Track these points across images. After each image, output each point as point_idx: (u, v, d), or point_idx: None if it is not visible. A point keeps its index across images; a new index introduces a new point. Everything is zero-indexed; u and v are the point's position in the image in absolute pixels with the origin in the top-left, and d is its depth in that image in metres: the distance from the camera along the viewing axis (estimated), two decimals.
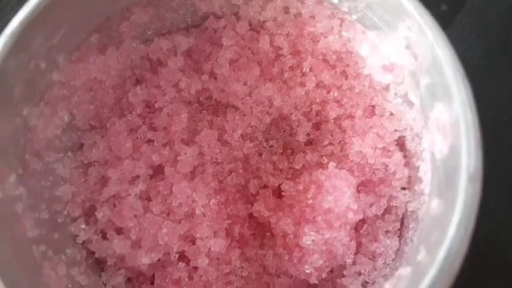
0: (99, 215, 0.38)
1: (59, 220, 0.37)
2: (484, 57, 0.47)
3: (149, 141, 0.40)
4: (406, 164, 0.38)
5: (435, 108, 0.29)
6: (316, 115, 0.41)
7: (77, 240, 0.38)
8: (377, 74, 0.34)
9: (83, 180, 0.39)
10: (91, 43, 0.35)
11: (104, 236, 0.38)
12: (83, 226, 0.38)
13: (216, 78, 0.41)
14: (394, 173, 0.38)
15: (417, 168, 0.36)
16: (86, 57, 0.35)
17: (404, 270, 0.27)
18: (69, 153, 0.38)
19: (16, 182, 0.32)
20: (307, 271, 0.38)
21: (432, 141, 0.30)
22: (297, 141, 0.42)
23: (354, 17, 0.34)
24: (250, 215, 0.41)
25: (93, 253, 0.38)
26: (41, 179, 0.36)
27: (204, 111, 0.42)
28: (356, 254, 0.38)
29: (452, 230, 0.23)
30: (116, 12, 0.35)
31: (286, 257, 0.39)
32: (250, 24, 0.40)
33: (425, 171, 0.33)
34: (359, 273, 0.38)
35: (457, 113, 0.25)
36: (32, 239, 0.33)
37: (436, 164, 0.30)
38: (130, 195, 0.38)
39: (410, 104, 0.35)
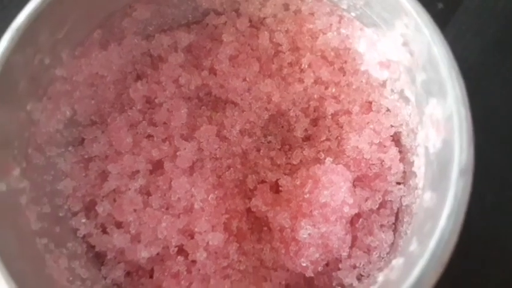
0: (99, 209, 0.38)
1: (60, 214, 0.38)
2: (480, 55, 0.48)
3: (149, 136, 0.40)
4: (401, 159, 0.39)
5: (429, 104, 0.29)
6: (314, 111, 0.42)
7: (78, 234, 0.38)
8: (374, 70, 0.35)
9: (83, 175, 0.39)
10: (93, 39, 0.35)
11: (104, 230, 0.39)
12: (83, 220, 0.38)
13: (215, 74, 0.41)
14: (389, 168, 0.39)
15: (411, 163, 0.37)
16: (88, 53, 0.35)
17: (397, 261, 0.27)
18: (70, 148, 0.39)
19: (20, 175, 0.33)
20: (304, 264, 0.38)
21: (427, 135, 0.31)
22: (295, 137, 0.42)
23: (353, 14, 0.35)
24: (248, 210, 0.41)
25: (93, 247, 0.39)
26: (43, 173, 0.36)
27: (203, 107, 0.42)
28: (351, 247, 0.39)
29: (443, 222, 0.24)
30: (119, 8, 0.35)
31: (283, 251, 0.39)
32: (250, 20, 0.41)
33: (419, 166, 0.34)
34: (354, 267, 0.39)
35: (451, 108, 0.25)
36: (35, 232, 0.33)
37: (430, 158, 0.31)
38: (129, 189, 0.39)
39: (406, 100, 0.36)
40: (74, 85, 0.36)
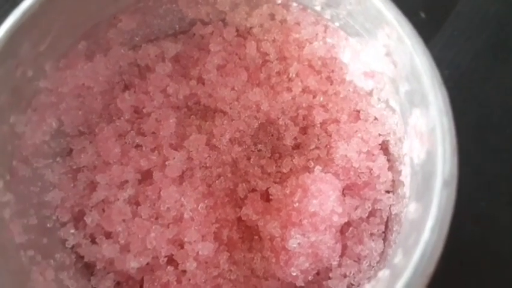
0: (88, 219, 0.38)
1: (48, 225, 0.38)
2: (473, 60, 0.47)
3: (138, 146, 0.40)
4: (390, 168, 0.39)
5: (413, 114, 0.29)
6: (303, 120, 0.42)
7: (66, 245, 0.38)
8: (359, 80, 0.35)
9: (72, 185, 0.39)
10: (78, 50, 0.35)
11: (93, 241, 0.39)
12: (72, 231, 0.38)
13: (203, 84, 0.41)
14: (378, 177, 0.39)
15: (399, 172, 0.37)
16: (74, 64, 0.35)
17: (383, 273, 0.27)
18: (58, 159, 0.39)
19: (3, 188, 0.32)
20: (294, 274, 0.38)
21: (411, 146, 0.31)
22: (285, 145, 0.42)
23: (337, 24, 0.35)
24: (239, 219, 0.41)
25: (82, 257, 0.39)
26: (30, 184, 0.36)
27: (192, 116, 0.42)
28: (341, 256, 0.39)
29: (426, 234, 0.24)
30: (104, 19, 0.35)
31: (273, 260, 0.39)
32: (237, 30, 0.41)
33: (406, 175, 0.34)
34: (345, 276, 0.39)
35: (434, 120, 0.25)
36: (20, 245, 0.33)
37: (415, 169, 0.31)
38: (118, 199, 0.39)
39: (392, 109, 0.36)
40: (60, 97, 0.36)
